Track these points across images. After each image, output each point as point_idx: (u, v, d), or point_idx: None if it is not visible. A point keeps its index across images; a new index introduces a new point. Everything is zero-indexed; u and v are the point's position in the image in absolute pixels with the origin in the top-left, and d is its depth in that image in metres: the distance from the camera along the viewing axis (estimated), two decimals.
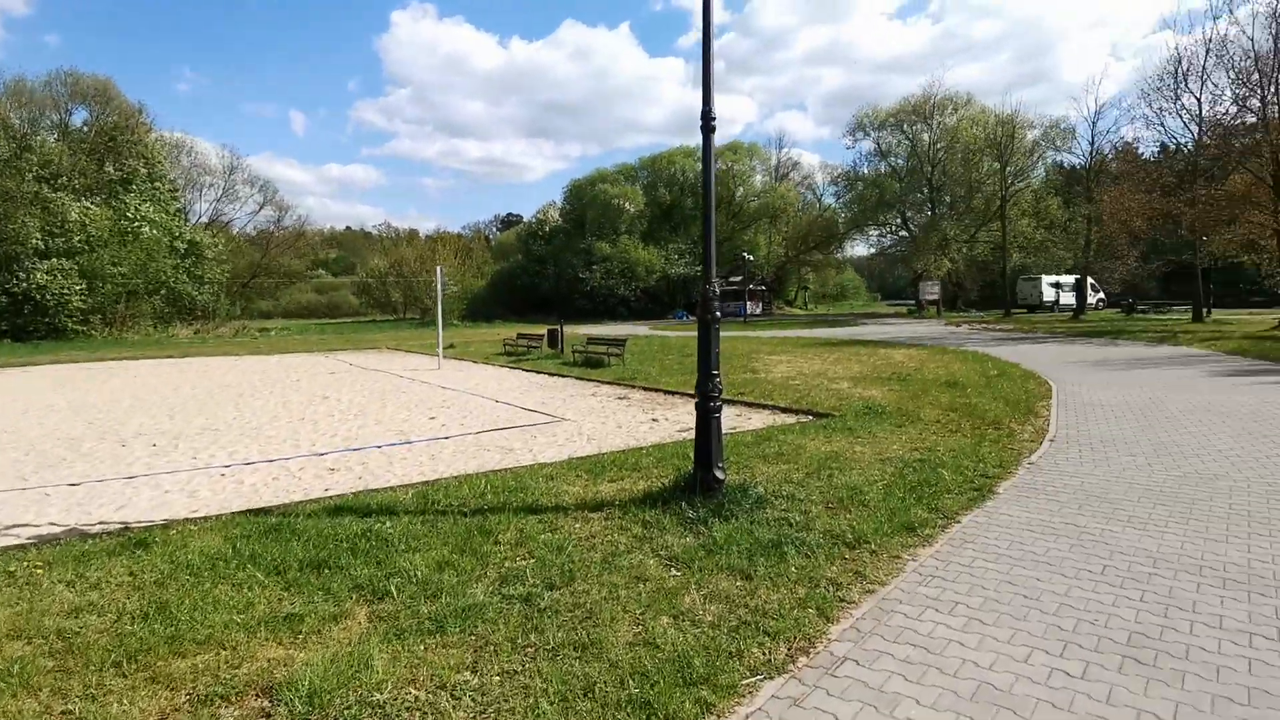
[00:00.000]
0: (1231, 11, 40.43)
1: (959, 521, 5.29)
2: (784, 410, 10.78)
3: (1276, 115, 24.08)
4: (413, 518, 5.55)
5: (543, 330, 23.66)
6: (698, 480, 5.70)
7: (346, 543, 5.06)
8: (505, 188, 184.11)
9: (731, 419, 10.27)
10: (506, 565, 4.58)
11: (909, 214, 54.40)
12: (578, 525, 5.33)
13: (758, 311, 60.18)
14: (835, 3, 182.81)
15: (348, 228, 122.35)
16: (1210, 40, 26.90)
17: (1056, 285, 48.00)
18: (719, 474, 5.70)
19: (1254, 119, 25.66)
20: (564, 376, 16.51)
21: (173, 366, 21.39)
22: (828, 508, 5.63)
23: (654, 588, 4.18)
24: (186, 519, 5.82)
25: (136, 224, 38.84)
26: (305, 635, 3.68)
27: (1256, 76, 25.12)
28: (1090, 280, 41.90)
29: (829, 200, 65.59)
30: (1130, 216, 28.35)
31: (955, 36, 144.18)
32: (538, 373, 17.59)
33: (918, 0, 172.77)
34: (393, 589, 4.23)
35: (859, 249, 66.63)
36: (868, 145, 55.35)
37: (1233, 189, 25.74)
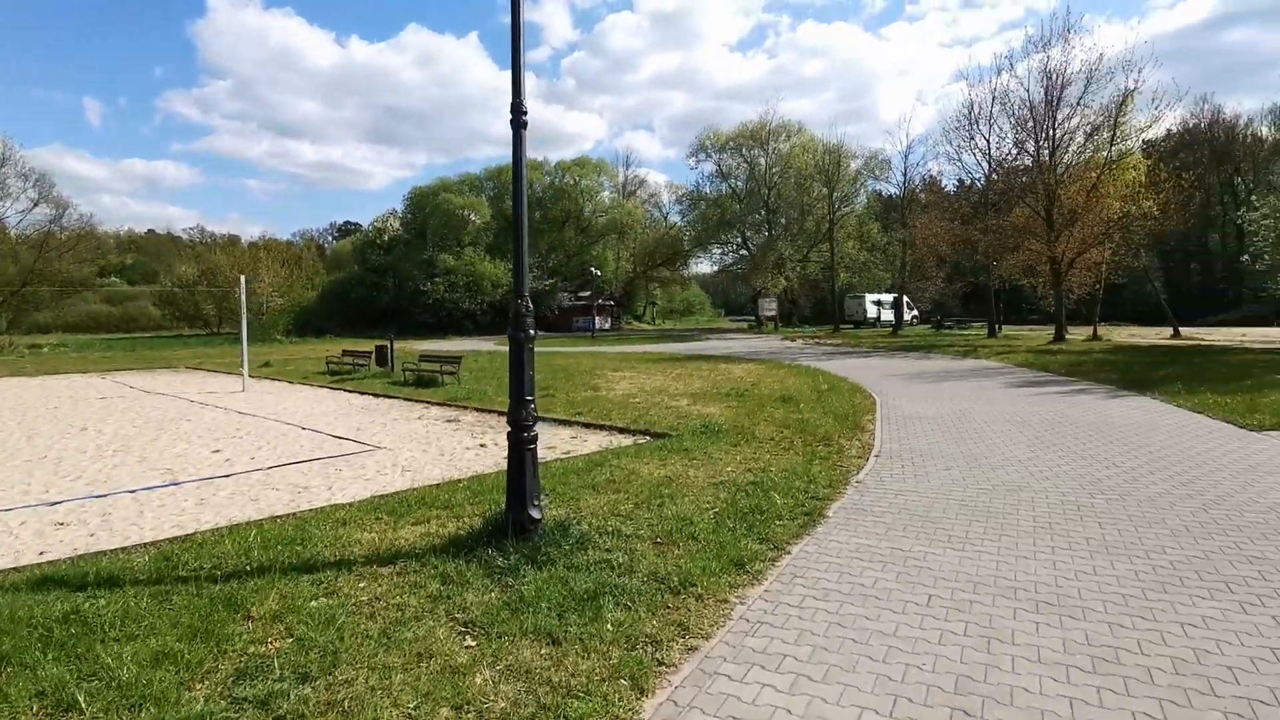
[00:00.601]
0: (1013, 67, 46.47)
1: (789, 552, 4.99)
2: (621, 431, 10.33)
3: (1047, 158, 27.61)
4: (141, 590, 4.38)
5: (371, 347, 21.80)
6: (509, 522, 5.00)
7: (41, 629, 3.87)
8: (344, 195, 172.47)
9: (567, 441, 9.67)
10: (251, 652, 3.62)
11: (748, 234, 57.10)
12: (362, 585, 4.44)
13: (606, 326, 60.39)
14: (681, 32, 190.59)
15: (151, 230, 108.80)
16: (996, 91, 30.49)
17: (878, 303, 52.39)
18: (535, 513, 5.04)
19: (1030, 160, 29.33)
20: (390, 397, 15.11)
21: None
22: (655, 544, 5.14)
23: (439, 667, 3.42)
24: None
25: None
26: None
27: (1031, 124, 28.75)
28: (906, 299, 46.09)
29: (675, 218, 67.56)
30: (937, 241, 31.33)
31: (788, 72, 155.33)
32: (361, 394, 16.01)
33: (755, 36, 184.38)
34: (82, 698, 3.17)
35: (703, 266, 69.02)
36: (710, 167, 57.62)
37: (1016, 220, 29.20)
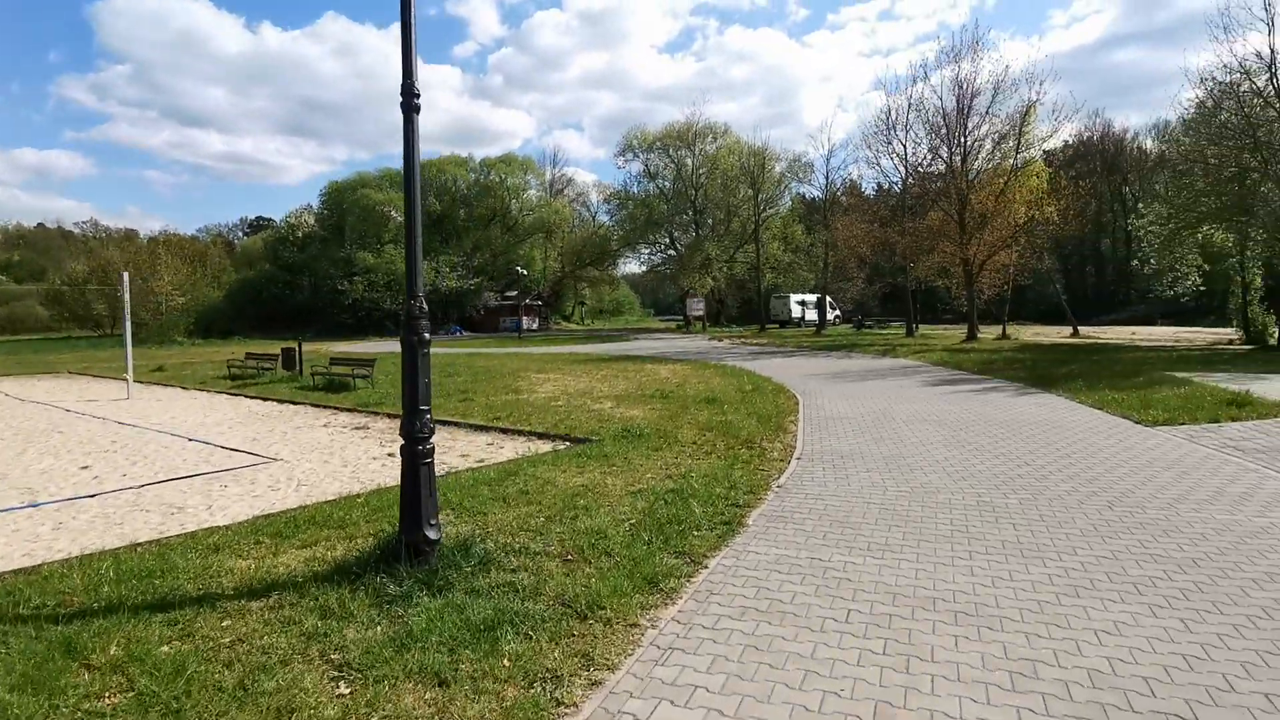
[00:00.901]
0: (927, 76, 48.35)
1: (706, 567, 4.74)
2: (541, 436, 9.92)
3: (959, 164, 28.75)
4: None
5: (278, 349, 20.54)
6: (403, 544, 4.55)
7: None
8: (257, 189, 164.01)
9: (482, 449, 9.20)
10: (86, 708, 3.07)
11: (676, 234, 57.36)
12: (225, 625, 3.91)
13: (534, 327, 59.51)
14: (609, 32, 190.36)
15: (40, 225, 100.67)
16: (912, 99, 31.57)
17: (802, 303, 53.53)
18: (432, 533, 4.60)
19: (944, 166, 30.51)
20: (296, 404, 14.17)
21: None
22: (565, 562, 4.80)
23: None
24: None
25: None
26: None
27: (944, 131, 29.90)
28: (829, 299, 47.27)
29: (603, 218, 67.20)
30: (858, 243, 32.17)
31: (716, 75, 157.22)
32: (264, 400, 14.97)
33: (683, 39, 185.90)
34: None
35: (632, 266, 68.91)
36: (637, 166, 57.44)
37: (931, 223, 30.30)
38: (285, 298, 52.37)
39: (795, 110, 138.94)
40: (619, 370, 19.52)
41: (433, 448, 4.73)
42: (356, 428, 11.35)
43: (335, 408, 13.28)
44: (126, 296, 16.43)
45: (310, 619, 3.94)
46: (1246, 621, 3.80)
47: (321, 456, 9.08)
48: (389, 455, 9.09)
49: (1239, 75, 21.38)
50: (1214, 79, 22.31)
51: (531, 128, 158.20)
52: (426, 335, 4.68)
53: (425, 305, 4.68)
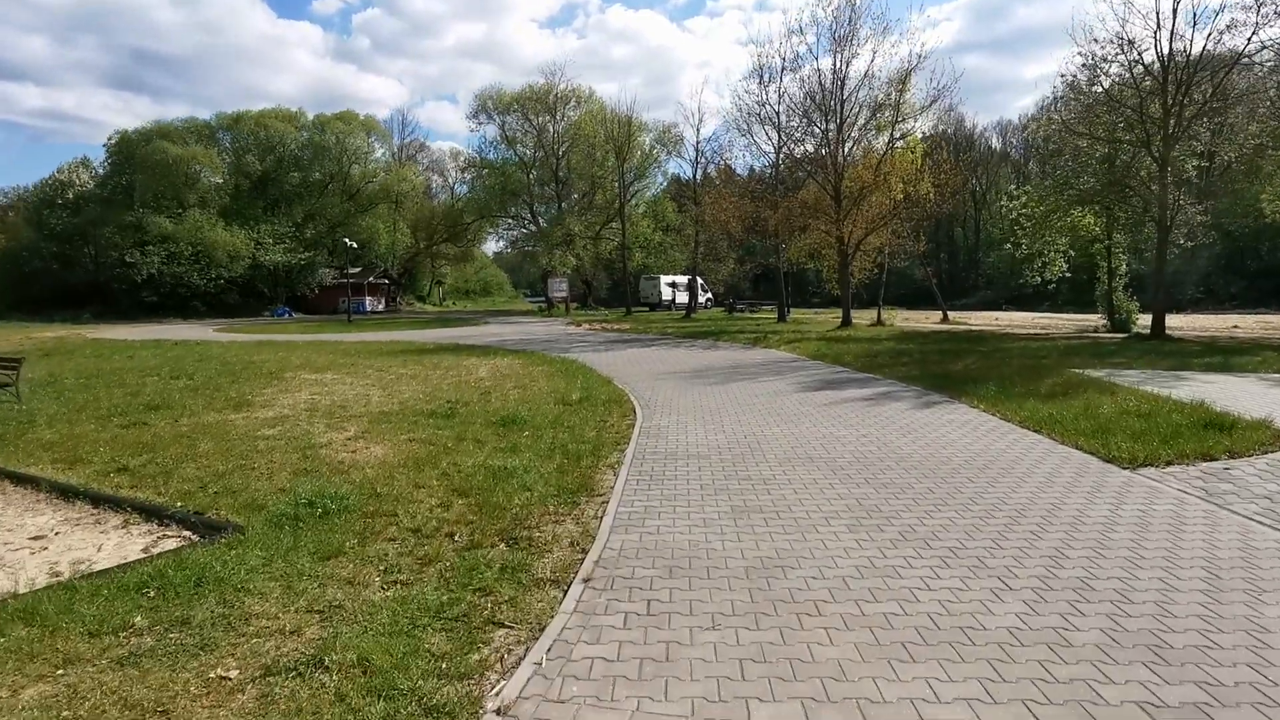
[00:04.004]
0: (802, 31, 46.18)
1: None
2: (152, 516, 5.46)
3: (836, 131, 26.25)
4: None
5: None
6: None
7: None
8: (83, 150, 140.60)
9: (32, 542, 4.61)
10: None
11: (539, 208, 52.61)
12: None
13: (380, 308, 53.05)
14: (487, 2, 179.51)
15: None
16: (785, 56, 28.77)
17: (673, 285, 50.56)
18: None
19: (819, 133, 28.01)
20: None
21: None
22: None
23: None
24: None
25: None
26: None
27: (820, 96, 27.26)
28: (700, 281, 44.48)
29: (463, 190, 61.07)
30: (728, 218, 29.17)
31: (597, 53, 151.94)
32: None
33: (565, 14, 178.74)
34: None
35: (493, 243, 63.44)
36: (493, 130, 51.83)
37: (806, 197, 27.77)
38: (55, 273, 42.94)
39: (676, 92, 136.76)
40: (429, 366, 15.08)
41: None
42: None
43: None
44: None
45: None
46: None
47: None
48: None
49: (1121, 44, 19.84)
50: (1092, 53, 20.74)
51: (403, 96, 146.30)
52: None
53: None
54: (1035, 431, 7.82)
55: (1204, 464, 6.32)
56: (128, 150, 47.01)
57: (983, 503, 5.42)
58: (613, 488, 5.97)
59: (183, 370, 14.21)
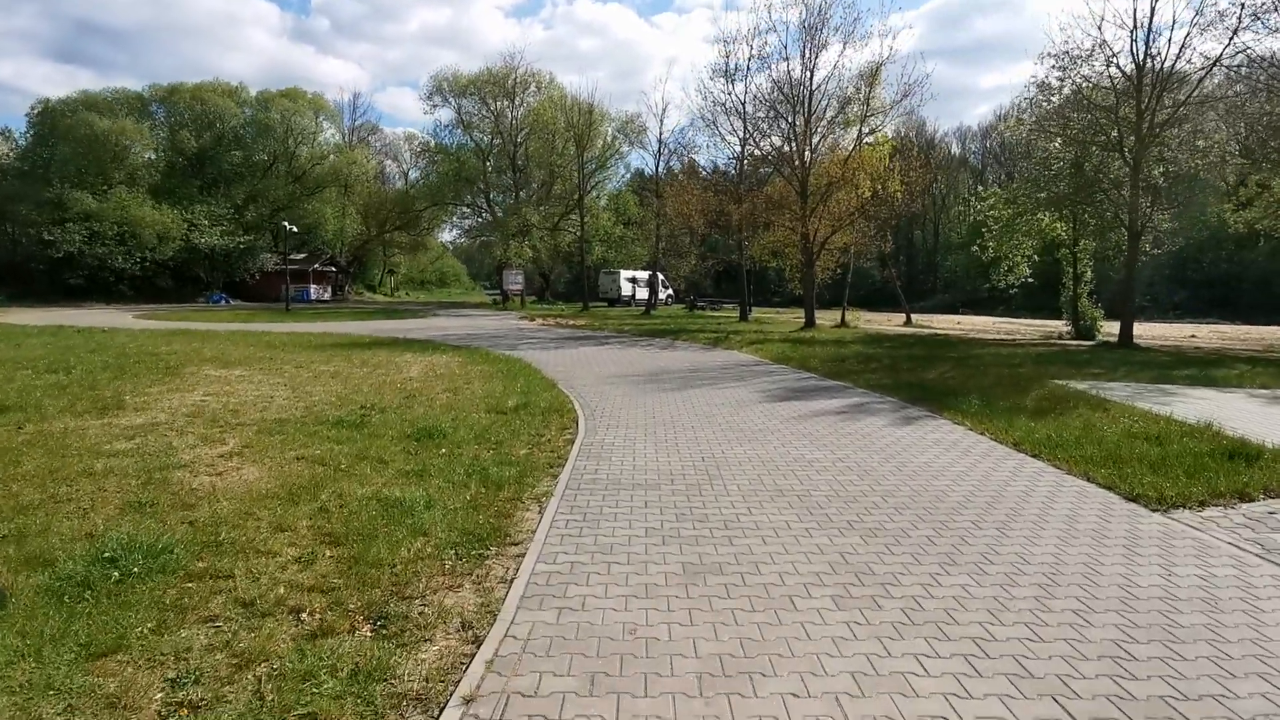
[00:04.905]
0: (771, 19, 45.32)
1: None
2: None
3: (804, 124, 25.29)
4: None
5: None
6: None
7: None
8: (15, 123, 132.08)
9: None
10: None
11: (495, 196, 50.71)
12: None
13: (325, 297, 50.55)
14: None
15: None
16: (753, 45, 27.61)
17: (633, 280, 49.27)
18: None
19: (785, 126, 27.01)
20: None
21: None
22: None
23: None
24: None
25: None
26: None
27: (788, 86, 26.24)
28: (661, 277, 43.28)
29: (416, 176, 58.64)
30: (690, 211, 28.04)
31: (564, 44, 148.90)
32: None
33: (532, 4, 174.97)
34: None
35: (448, 232, 61.23)
36: (448, 114, 49.64)
37: (772, 192, 26.78)
38: None
39: (643, 87, 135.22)
40: (356, 363, 13.53)
41: None
42: None
43: None
44: None
45: None
46: None
47: None
48: None
49: (1095, 44, 19.27)
50: (1066, 53, 20.15)
51: (364, 81, 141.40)
52: None
53: None
54: (1035, 457, 6.78)
55: (1244, 505, 5.33)
56: (51, 121, 43.57)
57: (999, 561, 4.30)
58: (534, 532, 4.68)
59: (64, 363, 12.39)
